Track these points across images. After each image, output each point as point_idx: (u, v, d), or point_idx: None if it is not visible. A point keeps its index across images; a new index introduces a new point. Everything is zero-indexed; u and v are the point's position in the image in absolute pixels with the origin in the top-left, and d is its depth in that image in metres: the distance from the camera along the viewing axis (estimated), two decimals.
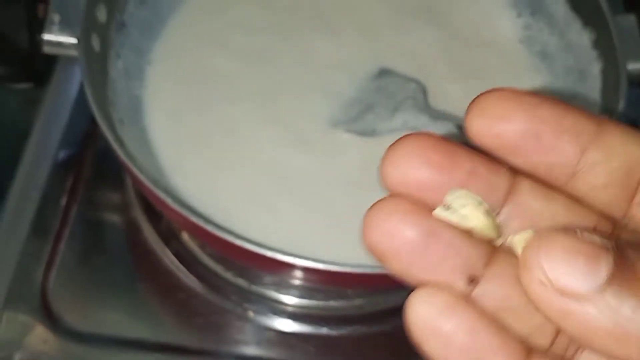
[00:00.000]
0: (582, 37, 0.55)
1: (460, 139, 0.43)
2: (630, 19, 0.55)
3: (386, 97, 0.52)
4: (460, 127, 0.48)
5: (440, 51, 0.57)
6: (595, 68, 0.53)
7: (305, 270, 0.42)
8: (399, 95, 0.52)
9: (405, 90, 0.52)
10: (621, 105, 0.48)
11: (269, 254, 0.40)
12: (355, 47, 0.56)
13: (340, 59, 0.55)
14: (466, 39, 0.58)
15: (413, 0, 0.60)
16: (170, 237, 0.56)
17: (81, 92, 0.61)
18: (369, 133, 0.51)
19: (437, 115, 0.51)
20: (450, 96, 0.54)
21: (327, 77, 0.54)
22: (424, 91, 0.52)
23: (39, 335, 0.51)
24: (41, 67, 0.49)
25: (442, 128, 0.50)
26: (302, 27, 0.57)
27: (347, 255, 0.44)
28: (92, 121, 0.59)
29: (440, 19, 0.59)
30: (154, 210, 0.56)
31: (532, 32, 0.59)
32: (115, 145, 0.42)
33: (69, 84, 0.63)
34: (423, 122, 0.50)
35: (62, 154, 0.59)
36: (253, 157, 0.51)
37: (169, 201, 0.41)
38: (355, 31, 0.57)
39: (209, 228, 0.40)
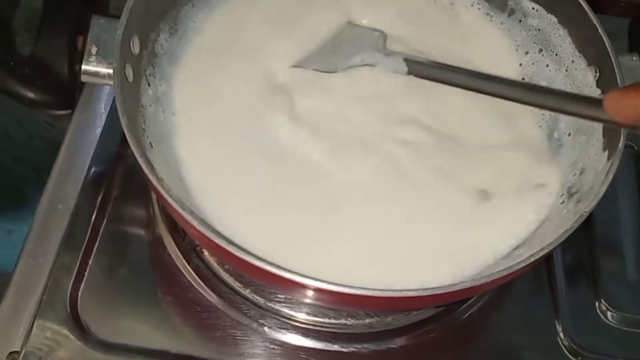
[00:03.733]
0: (586, 75, 0.57)
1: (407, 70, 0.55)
2: (633, 58, 0.57)
3: (350, 44, 0.60)
4: (407, 60, 0.57)
5: None
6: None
7: (318, 290, 0.45)
8: (362, 42, 0.59)
9: (368, 37, 0.60)
10: (622, 142, 0.51)
11: (287, 275, 0.43)
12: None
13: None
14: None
15: None
16: (191, 253, 0.59)
17: (110, 115, 0.65)
18: (331, 70, 0.58)
19: (390, 53, 0.58)
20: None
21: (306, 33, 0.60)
22: (384, 38, 0.60)
23: (67, 344, 0.54)
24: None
25: (393, 62, 0.57)
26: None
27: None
28: (121, 142, 0.64)
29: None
30: (177, 228, 0.60)
31: (539, 68, 0.62)
32: (146, 169, 0.45)
33: (95, 105, 0.66)
34: (377, 59, 0.58)
35: (92, 172, 0.62)
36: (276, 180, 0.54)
37: (194, 222, 0.44)
38: None
39: (230, 249, 0.43)
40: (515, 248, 0.53)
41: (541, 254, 0.46)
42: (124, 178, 0.63)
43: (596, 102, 0.46)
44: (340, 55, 0.59)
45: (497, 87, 0.53)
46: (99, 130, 0.65)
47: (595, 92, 0.56)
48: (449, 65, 0.56)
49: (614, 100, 0.44)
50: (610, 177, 0.49)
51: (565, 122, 0.58)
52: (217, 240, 0.43)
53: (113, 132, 0.64)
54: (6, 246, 0.95)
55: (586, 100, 0.50)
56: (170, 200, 0.45)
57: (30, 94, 0.48)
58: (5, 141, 0.90)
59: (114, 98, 0.64)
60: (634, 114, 0.43)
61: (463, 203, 0.54)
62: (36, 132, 0.90)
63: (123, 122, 0.46)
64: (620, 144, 0.50)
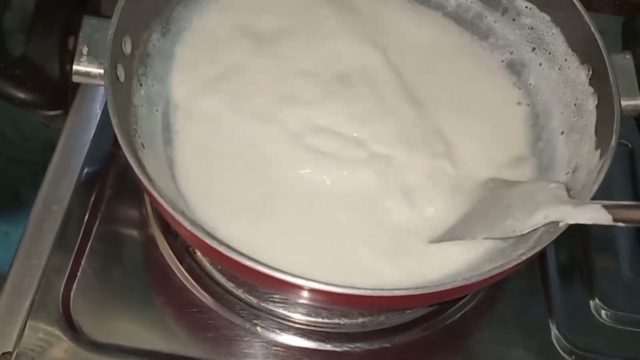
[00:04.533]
0: (579, 74, 0.57)
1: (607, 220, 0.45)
2: (625, 57, 0.57)
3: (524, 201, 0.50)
4: (606, 207, 0.45)
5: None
6: (591, 103, 0.55)
7: (311, 291, 0.45)
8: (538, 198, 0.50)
9: (544, 191, 0.50)
10: (614, 140, 0.51)
11: (279, 275, 0.43)
12: None
13: None
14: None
15: None
16: (184, 254, 0.59)
17: (104, 116, 0.65)
18: (511, 235, 0.49)
19: (579, 203, 0.48)
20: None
21: None
22: (565, 187, 0.50)
23: (60, 344, 0.54)
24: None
25: (589, 212, 0.46)
26: None
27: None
28: (114, 143, 0.63)
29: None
30: (169, 229, 0.60)
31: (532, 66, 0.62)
32: (137, 170, 0.45)
33: (89, 105, 0.66)
34: (566, 213, 0.47)
35: (85, 173, 0.62)
36: (268, 179, 0.54)
37: (185, 223, 0.44)
38: None
39: (222, 249, 0.43)
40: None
41: (533, 251, 0.46)
42: (117, 178, 0.62)
43: None
44: (516, 218, 0.49)
45: None
46: (93, 131, 0.65)
47: (589, 91, 0.56)
48: None
49: None
50: (603, 175, 0.49)
51: (558, 120, 0.58)
52: (208, 241, 0.43)
53: (106, 133, 0.64)
54: (2, 247, 0.95)
55: None
56: (161, 200, 0.45)
57: (21, 95, 0.48)
58: (0, 142, 0.90)
59: None
60: None
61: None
62: (31, 133, 0.90)
63: (114, 122, 0.46)
64: (613, 142, 0.50)
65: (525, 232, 0.48)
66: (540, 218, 0.48)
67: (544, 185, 0.51)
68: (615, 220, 0.45)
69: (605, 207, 0.46)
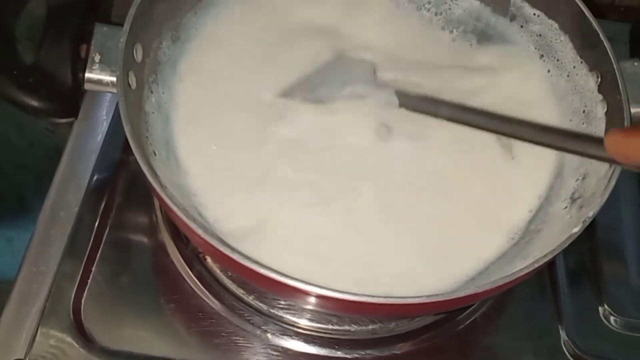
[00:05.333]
0: (588, 81, 0.57)
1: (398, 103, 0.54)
2: (634, 64, 0.57)
3: (340, 75, 0.58)
4: (398, 93, 0.56)
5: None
6: (600, 110, 0.56)
7: (322, 298, 0.45)
8: (352, 73, 0.58)
9: (358, 69, 0.58)
10: None
11: (291, 282, 0.43)
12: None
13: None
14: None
15: None
16: (194, 260, 0.59)
17: (113, 123, 0.65)
18: (320, 101, 0.56)
19: (381, 84, 0.57)
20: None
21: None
22: (374, 68, 0.58)
23: (71, 351, 0.54)
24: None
25: (384, 94, 0.56)
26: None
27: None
28: (123, 150, 0.64)
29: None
30: (180, 235, 0.60)
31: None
32: (150, 177, 0.46)
33: (96, 112, 0.66)
34: (368, 91, 0.56)
35: (95, 180, 0.62)
36: (271, 181, 0.54)
37: (199, 230, 0.44)
38: None
39: (235, 256, 0.43)
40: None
41: (545, 259, 0.46)
42: (126, 185, 0.63)
43: (597, 142, 0.46)
44: (329, 86, 0.57)
45: (493, 122, 0.52)
46: (100, 137, 0.65)
47: (597, 98, 0.56)
48: (441, 100, 0.56)
49: (615, 141, 0.44)
50: (613, 182, 0.49)
51: (567, 127, 0.58)
52: (222, 248, 0.44)
53: (115, 139, 0.64)
54: (6, 254, 0.95)
55: (588, 139, 0.51)
56: (174, 207, 0.45)
57: (34, 103, 0.48)
58: (5, 148, 0.90)
59: (116, 105, 0.65)
60: (636, 155, 0.42)
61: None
62: (37, 139, 0.90)
63: (127, 129, 0.46)
64: None
65: (333, 101, 0.56)
66: (347, 91, 0.56)
67: (360, 62, 0.58)
68: (400, 105, 0.55)
69: (396, 92, 0.56)
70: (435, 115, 0.54)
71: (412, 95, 0.56)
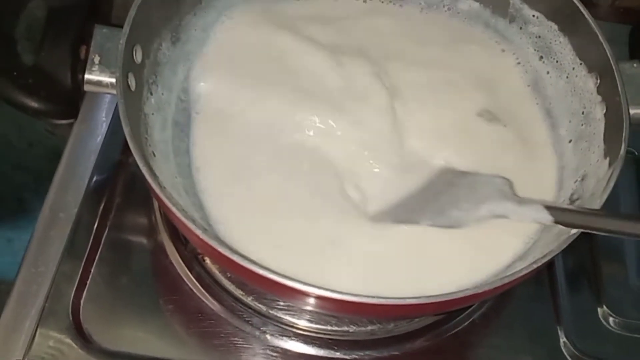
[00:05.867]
0: (587, 82, 0.57)
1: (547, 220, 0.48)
2: (634, 65, 0.57)
3: (470, 192, 0.52)
4: (549, 208, 0.49)
5: None
6: (599, 112, 0.56)
7: (321, 298, 0.45)
8: (486, 192, 0.52)
9: (490, 185, 0.53)
10: (623, 148, 0.51)
11: (290, 283, 0.43)
12: None
13: None
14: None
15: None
16: (193, 261, 0.59)
17: (112, 124, 0.65)
18: (455, 226, 0.51)
19: (524, 201, 0.50)
20: None
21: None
22: (510, 185, 0.52)
23: (70, 352, 0.54)
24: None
25: (532, 210, 0.50)
26: None
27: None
28: (122, 151, 0.64)
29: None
30: (179, 236, 0.60)
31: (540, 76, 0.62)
32: (149, 178, 0.46)
33: (95, 114, 0.66)
34: (510, 209, 0.50)
35: (94, 181, 0.62)
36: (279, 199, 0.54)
37: (198, 231, 0.44)
38: None
39: (235, 258, 0.43)
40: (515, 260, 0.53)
41: (544, 260, 0.46)
42: (125, 186, 0.63)
43: None
44: (461, 208, 0.51)
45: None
46: (99, 139, 0.65)
47: (596, 99, 0.56)
48: (595, 210, 0.49)
49: None
50: (612, 183, 0.49)
51: (565, 128, 0.59)
52: (221, 249, 0.44)
53: (115, 141, 0.64)
54: (6, 254, 0.95)
55: None
56: (173, 209, 0.45)
57: (34, 104, 0.48)
58: (5, 149, 0.91)
59: (116, 106, 0.65)
60: None
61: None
62: (36, 139, 0.90)
63: (126, 130, 0.46)
64: (622, 151, 0.51)
65: (469, 224, 0.50)
66: (483, 212, 0.50)
67: (490, 179, 0.52)
68: (556, 222, 0.48)
69: (547, 207, 0.49)
70: (593, 229, 0.48)
71: (564, 208, 0.50)
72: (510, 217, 0.50)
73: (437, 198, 0.53)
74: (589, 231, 0.47)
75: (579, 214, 0.48)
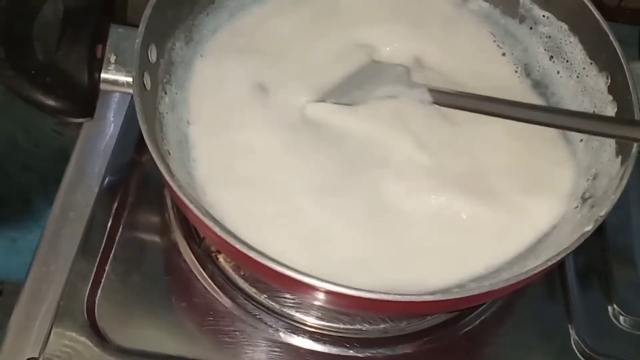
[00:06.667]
0: (598, 82, 0.58)
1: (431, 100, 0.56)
2: None
3: (374, 78, 0.59)
4: (431, 90, 0.57)
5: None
6: (610, 111, 0.56)
7: (333, 294, 0.45)
8: (386, 76, 0.59)
9: (392, 72, 0.59)
10: (635, 146, 0.51)
11: (307, 279, 0.43)
12: None
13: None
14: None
15: None
16: (207, 260, 0.60)
17: (125, 123, 0.66)
18: (354, 102, 0.57)
19: (414, 84, 0.58)
20: None
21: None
22: (407, 72, 0.59)
23: (85, 350, 0.54)
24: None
25: (418, 92, 0.57)
26: None
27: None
28: (136, 150, 0.64)
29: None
30: (192, 234, 0.60)
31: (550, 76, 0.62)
32: (167, 177, 0.46)
33: (104, 113, 0.67)
34: (401, 91, 0.58)
35: (108, 180, 0.63)
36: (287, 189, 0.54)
37: (216, 229, 0.44)
38: None
39: (252, 254, 0.44)
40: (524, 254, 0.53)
41: (558, 258, 0.47)
42: (138, 185, 0.63)
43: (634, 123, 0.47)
44: (363, 89, 0.58)
45: (526, 112, 0.54)
46: (108, 139, 0.65)
47: (607, 99, 0.56)
48: (473, 94, 0.57)
49: None
50: (625, 181, 0.50)
51: None
52: (239, 246, 0.44)
53: (128, 140, 0.65)
54: (11, 254, 0.95)
55: (623, 121, 0.51)
56: (191, 207, 0.45)
57: (52, 102, 0.48)
58: (11, 149, 0.91)
59: (127, 105, 0.66)
60: None
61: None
62: (43, 140, 0.90)
63: (143, 129, 0.47)
64: (634, 149, 0.51)
65: (367, 101, 0.57)
66: (379, 92, 0.58)
67: (392, 66, 0.60)
68: (434, 102, 0.57)
69: (429, 90, 0.57)
70: (466, 109, 0.56)
71: (445, 92, 0.57)
72: (400, 97, 0.57)
73: (356, 80, 0.59)
74: (463, 110, 0.56)
75: (455, 96, 0.57)
